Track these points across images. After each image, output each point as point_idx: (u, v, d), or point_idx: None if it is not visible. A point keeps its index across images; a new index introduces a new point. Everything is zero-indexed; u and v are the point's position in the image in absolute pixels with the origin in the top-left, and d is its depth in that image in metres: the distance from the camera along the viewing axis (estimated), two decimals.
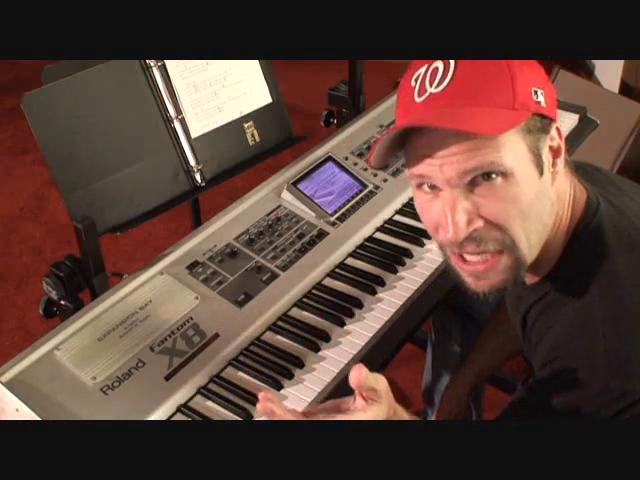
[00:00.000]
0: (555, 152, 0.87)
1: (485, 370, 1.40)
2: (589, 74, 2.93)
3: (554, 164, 0.87)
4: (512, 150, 0.81)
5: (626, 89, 2.81)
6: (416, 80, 0.85)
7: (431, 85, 0.83)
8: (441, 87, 0.82)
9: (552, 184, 0.87)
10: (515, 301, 1.05)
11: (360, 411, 0.80)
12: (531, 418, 0.89)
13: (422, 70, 0.85)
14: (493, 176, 0.82)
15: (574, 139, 1.70)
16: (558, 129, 0.87)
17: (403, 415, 0.87)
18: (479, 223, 0.83)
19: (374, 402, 0.81)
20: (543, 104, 0.83)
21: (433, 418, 1.48)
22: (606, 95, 2.69)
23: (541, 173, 0.84)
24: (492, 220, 0.84)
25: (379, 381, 0.80)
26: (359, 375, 0.77)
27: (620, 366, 0.83)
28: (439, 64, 0.83)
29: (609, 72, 2.89)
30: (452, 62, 0.82)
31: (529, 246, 0.87)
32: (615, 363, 0.83)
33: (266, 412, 0.79)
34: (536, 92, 0.82)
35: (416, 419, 0.93)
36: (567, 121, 1.73)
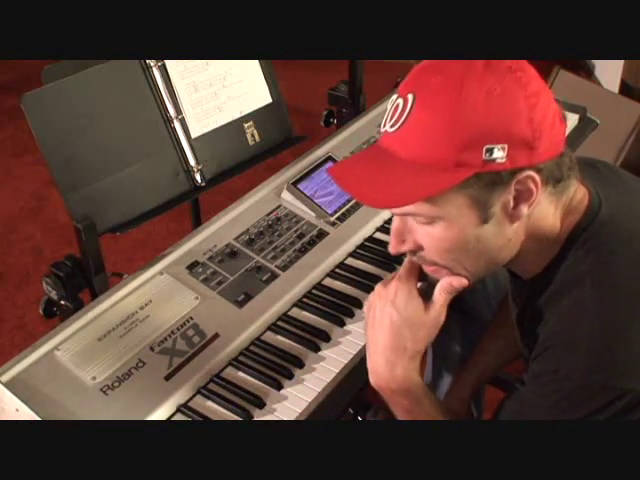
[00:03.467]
0: (522, 197, 0.85)
1: (486, 373, 1.39)
2: (589, 74, 2.93)
3: (516, 207, 0.86)
4: (443, 203, 0.84)
5: (626, 89, 2.81)
6: (389, 108, 0.87)
7: (390, 121, 0.85)
8: (394, 128, 0.84)
9: (511, 224, 0.87)
10: (514, 296, 1.06)
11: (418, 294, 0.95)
12: (522, 413, 0.89)
13: (393, 99, 0.86)
14: (419, 219, 0.87)
15: (574, 139, 1.70)
16: (532, 176, 0.83)
17: (415, 362, 0.95)
18: (410, 246, 0.91)
19: (427, 303, 0.93)
20: (500, 160, 0.81)
21: None
22: (606, 95, 2.69)
23: (485, 221, 0.85)
24: (422, 248, 0.90)
25: (443, 307, 0.94)
26: (460, 283, 0.92)
27: (602, 361, 0.83)
28: (400, 101, 0.84)
29: (609, 72, 2.89)
30: (410, 103, 0.83)
31: (466, 272, 0.92)
32: (597, 357, 0.83)
33: None
34: (490, 150, 0.80)
35: (420, 385, 0.96)
36: (567, 121, 1.72)
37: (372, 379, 0.96)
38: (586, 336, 0.84)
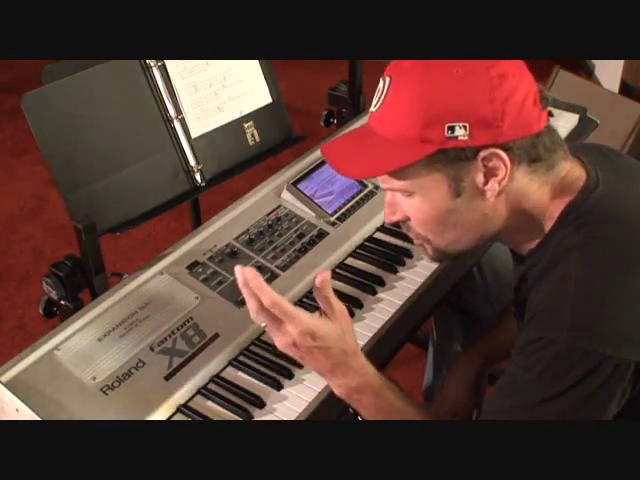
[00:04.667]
0: (491, 173, 0.89)
1: (494, 352, 1.39)
2: (589, 74, 2.94)
3: (486, 183, 0.90)
4: (414, 177, 0.91)
5: (626, 89, 2.81)
6: (376, 90, 0.94)
7: (374, 102, 0.93)
8: (376, 108, 0.93)
9: (486, 199, 0.91)
10: (515, 271, 1.07)
11: (312, 316, 0.90)
12: (509, 387, 0.90)
13: (380, 83, 0.93)
14: (397, 191, 0.95)
15: (574, 139, 1.70)
16: (497, 154, 0.88)
17: (364, 364, 0.95)
18: (399, 216, 0.98)
19: (327, 317, 0.91)
20: (462, 137, 0.86)
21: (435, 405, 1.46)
22: (606, 95, 2.69)
23: (457, 195, 0.91)
24: (409, 218, 0.97)
25: (336, 304, 0.91)
26: (325, 275, 0.89)
27: (585, 327, 0.84)
28: (381, 84, 0.92)
29: (609, 72, 2.89)
30: (387, 84, 0.90)
31: (446, 244, 0.98)
32: (580, 324, 0.84)
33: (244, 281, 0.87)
34: (452, 128, 0.86)
35: (379, 376, 0.96)
36: (567, 121, 1.73)
37: (336, 391, 0.96)
38: (570, 302, 0.85)
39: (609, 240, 0.89)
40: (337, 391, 0.96)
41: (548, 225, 0.95)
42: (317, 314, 0.92)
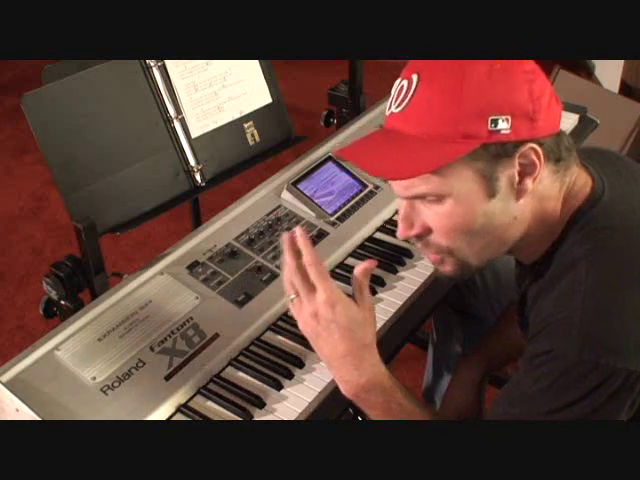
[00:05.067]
0: (526, 172, 0.88)
1: (496, 358, 1.38)
2: (589, 74, 2.93)
3: (521, 182, 0.88)
4: (451, 176, 0.86)
5: (626, 89, 2.80)
6: (393, 91, 0.90)
7: (395, 102, 0.89)
8: (400, 108, 0.88)
9: (517, 199, 0.89)
10: (518, 281, 1.07)
11: (341, 293, 0.91)
12: (517, 396, 0.89)
13: (397, 82, 0.90)
14: (428, 198, 0.89)
15: (574, 139, 1.70)
16: (534, 148, 0.87)
17: (378, 362, 0.94)
18: (418, 230, 0.92)
19: (356, 302, 0.92)
20: (505, 131, 0.84)
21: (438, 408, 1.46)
22: (606, 95, 2.69)
23: (492, 195, 0.88)
24: (431, 230, 0.92)
25: (367, 295, 0.92)
26: (368, 264, 0.91)
27: (594, 340, 0.83)
28: (405, 82, 0.88)
29: (609, 72, 2.88)
30: (414, 82, 0.87)
31: (474, 254, 0.93)
32: (589, 336, 0.83)
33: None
34: (495, 121, 0.84)
35: (389, 375, 0.95)
36: (567, 121, 1.73)
37: (343, 388, 0.95)
38: (579, 315, 0.85)
39: (617, 251, 0.88)
40: (344, 388, 0.95)
41: (556, 232, 0.93)
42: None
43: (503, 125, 0.84)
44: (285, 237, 0.92)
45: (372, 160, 0.90)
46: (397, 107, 0.88)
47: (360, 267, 0.91)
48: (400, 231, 0.94)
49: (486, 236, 0.91)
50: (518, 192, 0.89)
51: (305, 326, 0.93)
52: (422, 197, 0.89)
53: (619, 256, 0.88)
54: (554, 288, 0.91)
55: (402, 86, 0.88)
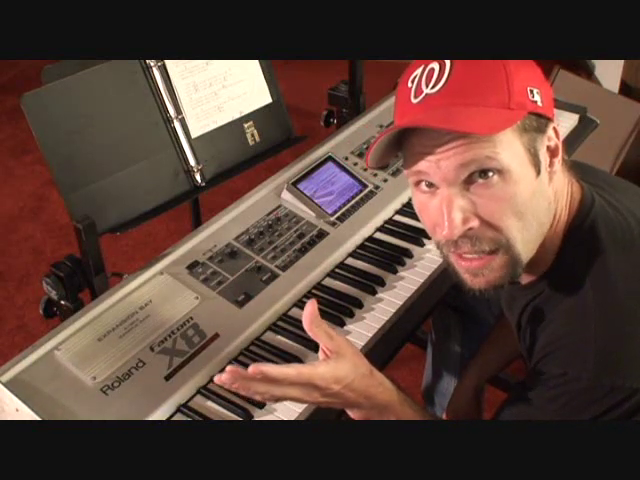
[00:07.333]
0: (552, 152, 0.87)
1: (492, 363, 1.38)
2: (589, 74, 2.93)
3: (551, 164, 0.87)
4: (508, 148, 0.82)
5: (626, 89, 2.80)
6: (412, 81, 0.86)
7: (427, 86, 0.84)
8: (437, 88, 0.83)
9: (549, 183, 0.88)
10: (509, 302, 1.05)
11: (322, 363, 0.85)
12: (528, 416, 0.89)
13: (418, 71, 0.86)
14: (490, 174, 0.82)
15: (574, 139, 1.70)
16: (555, 129, 0.87)
17: (383, 380, 0.90)
18: (474, 222, 0.84)
19: (336, 355, 0.85)
20: (539, 103, 0.84)
21: (441, 416, 1.46)
22: (606, 95, 2.69)
23: (538, 172, 0.85)
24: (488, 219, 0.84)
25: (334, 335, 0.86)
26: (311, 309, 0.83)
27: (610, 362, 0.83)
28: (435, 65, 0.84)
29: (609, 72, 2.88)
30: (448, 62, 0.83)
31: (524, 245, 0.87)
32: (605, 359, 0.83)
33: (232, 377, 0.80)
34: (532, 91, 0.83)
35: (396, 391, 0.92)
36: (567, 121, 1.73)
37: (354, 416, 0.91)
38: (592, 338, 0.84)
39: (619, 271, 0.87)
40: (356, 416, 0.91)
41: (554, 244, 0.92)
42: (321, 356, 0.88)
43: (537, 98, 0.83)
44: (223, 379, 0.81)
45: (452, 122, 0.80)
46: (432, 88, 0.83)
47: (306, 317, 0.84)
48: (452, 228, 0.83)
49: (533, 222, 0.86)
50: (550, 174, 0.88)
51: (316, 400, 0.87)
52: (485, 171, 0.82)
53: (621, 274, 0.87)
54: (558, 305, 0.90)
55: (432, 69, 0.84)
